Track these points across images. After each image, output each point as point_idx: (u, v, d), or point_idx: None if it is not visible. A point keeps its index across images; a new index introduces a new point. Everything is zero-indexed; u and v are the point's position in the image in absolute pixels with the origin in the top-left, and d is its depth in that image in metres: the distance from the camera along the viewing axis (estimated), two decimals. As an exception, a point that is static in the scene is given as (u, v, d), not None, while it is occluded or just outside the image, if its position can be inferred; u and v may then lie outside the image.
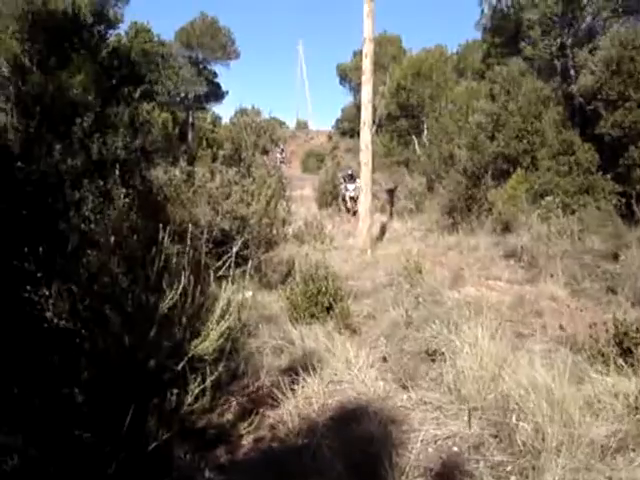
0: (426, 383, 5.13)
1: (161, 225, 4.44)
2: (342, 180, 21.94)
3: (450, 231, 16.27)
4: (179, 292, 4.28)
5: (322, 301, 7.18)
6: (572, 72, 19.68)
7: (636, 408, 4.21)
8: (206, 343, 4.43)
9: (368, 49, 13.71)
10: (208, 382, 4.15)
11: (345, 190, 21.50)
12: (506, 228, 14.69)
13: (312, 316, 7.08)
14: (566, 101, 18.63)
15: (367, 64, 13.75)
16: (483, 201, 16.38)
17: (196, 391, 4.12)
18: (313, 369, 5.20)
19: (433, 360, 5.54)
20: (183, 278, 4.24)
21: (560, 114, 17.63)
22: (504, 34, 25.21)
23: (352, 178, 20.85)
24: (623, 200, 14.46)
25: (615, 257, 10.09)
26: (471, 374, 4.82)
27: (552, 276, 9.36)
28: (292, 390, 4.95)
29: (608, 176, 15.02)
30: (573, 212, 12.99)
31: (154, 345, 4.13)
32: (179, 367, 4.17)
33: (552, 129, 16.99)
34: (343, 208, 21.55)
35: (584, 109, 17.76)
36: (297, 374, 5.14)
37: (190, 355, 4.29)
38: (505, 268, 11.10)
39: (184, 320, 4.43)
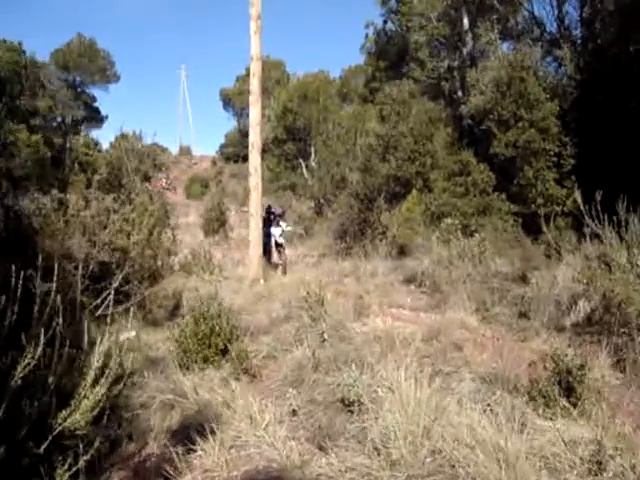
0: (347, 442, 4.33)
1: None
2: (263, 222, 14.60)
3: (344, 256, 15.80)
4: (44, 345, 3.37)
5: (216, 342, 6.29)
6: (460, 93, 19.87)
7: (598, 463, 3.65)
8: (77, 415, 3.50)
9: (256, 68, 12.97)
10: (81, 463, 3.25)
11: (267, 236, 14.81)
12: (402, 252, 14.38)
13: (205, 360, 6.17)
14: (455, 122, 18.72)
15: (255, 84, 13.00)
16: (377, 224, 16.04)
17: (65, 477, 3.21)
18: (211, 431, 4.33)
19: (351, 412, 4.77)
20: (54, 324, 3.35)
21: (450, 135, 17.68)
22: (389, 57, 25.41)
23: (275, 218, 15.32)
24: (519, 220, 14.49)
25: (523, 280, 9.82)
26: (399, 429, 4.11)
27: (459, 302, 8.94)
28: (187, 462, 4.07)
29: (503, 196, 15.01)
30: (472, 233, 12.78)
31: (6, 423, 3.17)
32: (41, 449, 3.25)
33: (444, 150, 16.98)
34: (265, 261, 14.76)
35: (473, 130, 17.88)
36: (192, 439, 4.26)
37: (57, 431, 3.37)
38: (407, 294, 10.62)
39: (50, 383, 3.50)
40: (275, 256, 15.13)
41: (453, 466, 3.69)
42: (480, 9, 20.03)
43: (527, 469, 3.54)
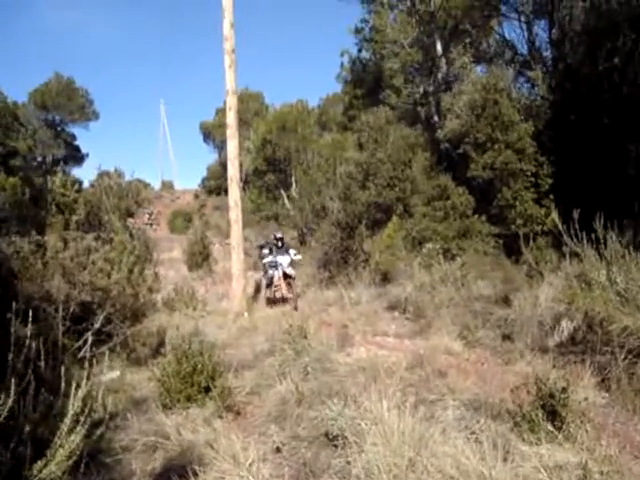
0: (331, 478, 4.26)
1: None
2: (265, 251, 14.33)
3: (328, 285, 15.76)
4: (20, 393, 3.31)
5: (199, 381, 6.22)
6: (436, 118, 20.03)
7: (586, 487, 3.61)
8: (53, 466, 3.43)
9: (232, 102, 13.02)
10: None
11: (273, 266, 13.75)
12: (385, 278, 14.34)
13: (188, 399, 6.09)
14: (432, 147, 18.85)
15: (231, 117, 13.03)
16: (359, 252, 16.02)
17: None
18: (194, 473, 4.26)
19: (335, 446, 4.71)
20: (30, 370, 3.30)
21: (428, 160, 17.78)
22: (365, 85, 25.62)
23: (282, 246, 14.06)
24: (501, 241, 14.54)
25: (506, 302, 9.82)
26: (383, 462, 4.06)
27: (443, 327, 8.92)
28: (170, 507, 3.99)
29: (483, 218, 15.07)
30: (453, 257, 12.80)
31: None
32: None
33: (422, 175, 17.07)
34: (270, 295, 13.97)
35: (451, 154, 18.00)
36: (175, 483, 4.19)
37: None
38: (391, 321, 10.60)
39: (26, 431, 3.44)
40: (284, 289, 13.36)
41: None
42: (453, 34, 20.29)
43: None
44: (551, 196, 14.13)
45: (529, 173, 14.48)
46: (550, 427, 4.49)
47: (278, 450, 4.83)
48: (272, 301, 13.74)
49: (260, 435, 5.20)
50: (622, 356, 5.94)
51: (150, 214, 36.86)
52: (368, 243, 15.90)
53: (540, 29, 18.79)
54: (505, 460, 3.94)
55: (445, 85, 20.34)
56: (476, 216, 15.18)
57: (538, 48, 18.75)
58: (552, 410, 4.59)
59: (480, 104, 15.26)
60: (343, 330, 9.45)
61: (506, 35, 20.19)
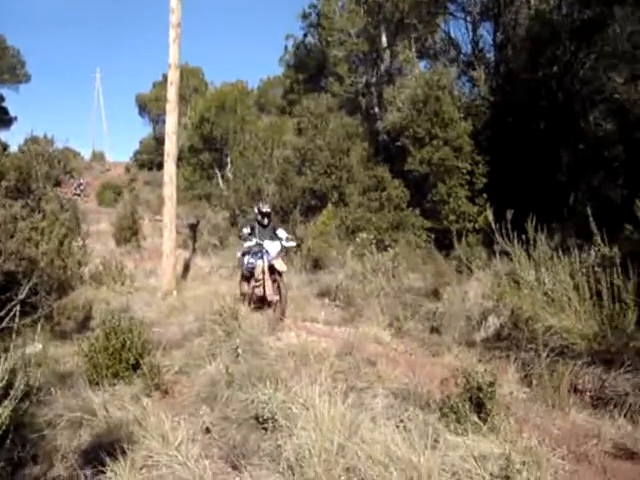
0: (261, 460, 4.26)
1: None
2: (246, 230, 10.37)
3: (258, 269, 15.71)
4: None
5: (127, 357, 6.11)
6: (377, 109, 20.15)
7: (507, 477, 3.72)
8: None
9: (174, 76, 12.76)
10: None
11: (256, 253, 10.16)
12: (317, 265, 14.40)
13: (116, 375, 5.99)
14: (371, 137, 18.96)
15: (172, 92, 12.77)
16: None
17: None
18: (122, 451, 4.19)
19: (265, 429, 4.71)
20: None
21: (366, 150, 17.88)
22: (307, 70, 25.57)
23: (268, 225, 10.38)
24: (433, 236, 14.78)
25: (435, 295, 10.02)
26: (314, 446, 4.08)
27: (373, 316, 9.05)
28: (96, 484, 3.91)
29: (417, 211, 15.29)
30: (386, 248, 12.94)
31: None
32: None
33: (360, 165, 17.16)
34: (247, 291, 10.39)
35: (389, 146, 18.15)
36: (101, 460, 4.10)
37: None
38: (321, 308, 10.66)
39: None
40: (268, 289, 9.88)
41: (367, 484, 3.70)
42: (399, 27, 20.39)
43: (440, 485, 3.59)
44: (484, 195, 14.46)
45: (465, 171, 14.77)
46: (476, 419, 4.61)
47: (207, 431, 4.80)
48: (250, 300, 10.09)
49: (189, 415, 5.15)
50: (545, 354, 6.13)
51: (79, 184, 35.85)
52: (301, 229, 15.91)
53: (485, 31, 19.19)
54: (433, 448, 4.02)
55: (388, 77, 20.47)
56: (410, 209, 15.39)
57: (482, 49, 19.11)
58: (478, 402, 4.71)
59: (421, 99, 15.44)
60: (273, 314, 9.44)
61: (452, 33, 20.55)
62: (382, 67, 20.91)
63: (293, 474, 3.97)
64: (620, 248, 7.09)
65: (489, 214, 8.46)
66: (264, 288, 9.97)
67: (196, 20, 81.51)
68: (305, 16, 24.19)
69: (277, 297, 9.81)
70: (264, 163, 21.51)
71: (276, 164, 19.69)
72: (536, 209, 8.49)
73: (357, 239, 13.60)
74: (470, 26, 19.18)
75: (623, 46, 14.02)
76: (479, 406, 4.70)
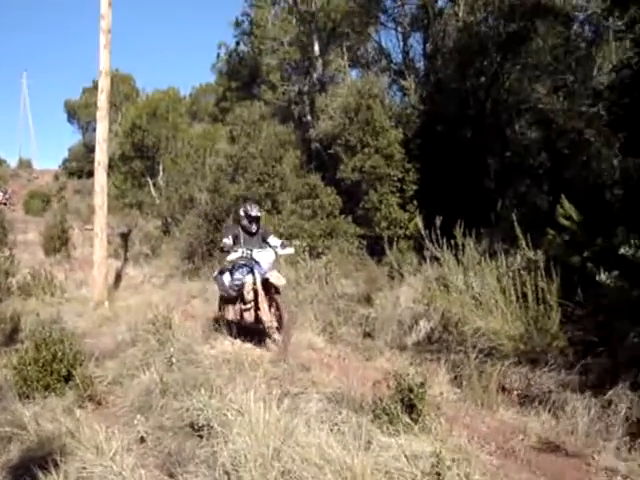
0: (197, 467, 4.26)
1: None
2: (227, 240, 8.31)
3: (192, 277, 15.64)
4: None
5: (58, 369, 6.02)
6: (309, 118, 20.29)
7: (437, 474, 3.84)
8: None
9: (104, 83, 12.60)
10: None
11: (242, 267, 8.20)
12: (251, 273, 14.39)
13: (47, 388, 5.89)
14: (304, 145, 19.07)
15: (103, 99, 12.61)
16: (225, 245, 16.01)
17: None
18: (54, 464, 4.13)
19: (201, 436, 4.71)
20: None
21: (299, 158, 17.98)
22: (240, 78, 25.58)
23: (257, 232, 8.55)
24: (365, 242, 14.96)
25: (368, 300, 10.16)
26: (249, 451, 4.11)
27: (307, 323, 9.13)
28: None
29: (350, 218, 15.45)
30: (319, 255, 13.03)
31: None
32: None
33: (292, 173, 17.25)
34: (234, 316, 8.49)
35: (321, 154, 18.29)
36: (33, 474, 4.03)
37: None
38: (255, 315, 10.67)
39: None
40: (264, 312, 7.90)
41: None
42: (331, 36, 20.58)
43: (372, 485, 3.67)
44: (415, 202, 14.70)
45: (395, 178, 14.96)
46: (408, 419, 4.73)
47: (142, 440, 4.77)
48: (237, 326, 8.32)
49: (124, 425, 5.11)
50: (474, 355, 6.34)
51: (5, 193, 34.86)
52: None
53: (415, 41, 19.43)
54: (366, 449, 4.10)
55: (320, 86, 20.63)
56: (343, 216, 15.50)
57: (412, 59, 19.39)
58: (410, 404, 4.83)
59: (353, 108, 15.58)
60: (207, 322, 9.41)
61: (383, 43, 20.72)
62: (315, 75, 21.06)
63: (229, 479, 3.99)
64: (544, 252, 7.39)
65: (419, 221, 8.70)
66: (257, 311, 8.04)
67: (127, 26, 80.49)
68: (238, 24, 24.23)
69: (274, 321, 7.88)
70: (196, 171, 21.41)
71: (209, 172, 19.60)
72: (465, 215, 8.76)
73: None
74: (401, 36, 19.47)
75: (546, 59, 14.55)
76: (410, 407, 4.82)
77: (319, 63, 20.94)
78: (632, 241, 6.06)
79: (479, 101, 15.59)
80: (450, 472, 3.87)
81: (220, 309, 9.11)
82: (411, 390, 4.81)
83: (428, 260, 9.04)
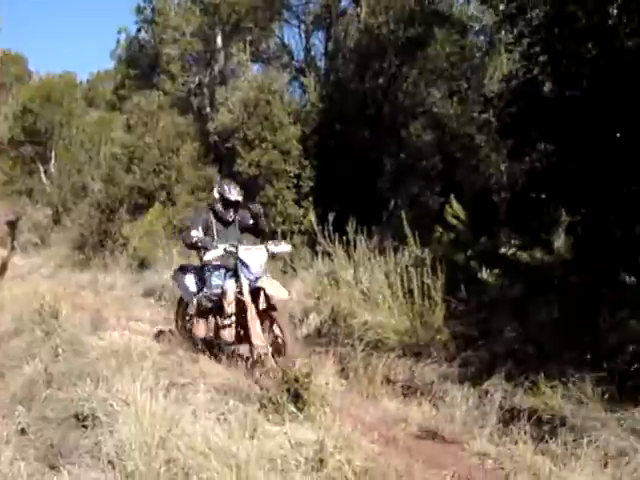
0: (80, 458, 4.19)
1: None
2: (196, 232, 6.57)
3: (82, 267, 15.28)
4: None
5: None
6: (209, 110, 20.15)
7: (320, 460, 3.98)
8: None
9: (-6, 62, 12.11)
10: None
11: (221, 271, 6.52)
12: (143, 264, 14.22)
13: None
14: (202, 138, 18.92)
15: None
16: (118, 236, 15.77)
17: None
18: None
19: (85, 427, 4.64)
20: None
21: (197, 150, 17.86)
22: (140, 66, 25.06)
23: (232, 221, 6.90)
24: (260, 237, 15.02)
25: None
26: (134, 441, 4.10)
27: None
28: None
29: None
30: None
31: None
32: None
33: (189, 165, 17.13)
34: (205, 334, 6.84)
35: (220, 147, 18.20)
36: None
37: None
38: (146, 308, 10.60)
39: None
40: (255, 333, 6.14)
41: (187, 474, 3.77)
42: (234, 29, 20.45)
43: (257, 472, 3.72)
44: (310, 198, 14.90)
45: (292, 174, 15.07)
46: (293, 408, 4.82)
47: (23, 432, 4.65)
48: (208, 346, 6.78)
49: (3, 417, 4.95)
50: (360, 348, 6.54)
51: None
52: (128, 228, 15.64)
53: (317, 40, 19.69)
54: (252, 438, 4.17)
55: (221, 78, 20.50)
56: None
57: (313, 57, 19.62)
58: (296, 394, 4.94)
59: (253, 102, 15.59)
60: (96, 314, 9.23)
61: (285, 40, 20.86)
62: (216, 68, 20.91)
63: (113, 469, 3.94)
64: (432, 250, 7.70)
65: (312, 216, 8.86)
66: (244, 329, 6.32)
67: (23, 7, 76.86)
68: (140, 10, 23.64)
69: (266, 345, 6.13)
70: (91, 159, 20.94)
71: (103, 161, 19.18)
72: (358, 212, 8.98)
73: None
74: (303, 34, 19.67)
75: (442, 65, 15.08)
76: (297, 397, 4.93)
77: (221, 56, 20.80)
78: (512, 241, 6.41)
79: (377, 102, 15.93)
80: (332, 459, 3.99)
81: (180, 319, 7.29)
82: (297, 380, 4.92)
83: (320, 255, 9.22)
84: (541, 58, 8.61)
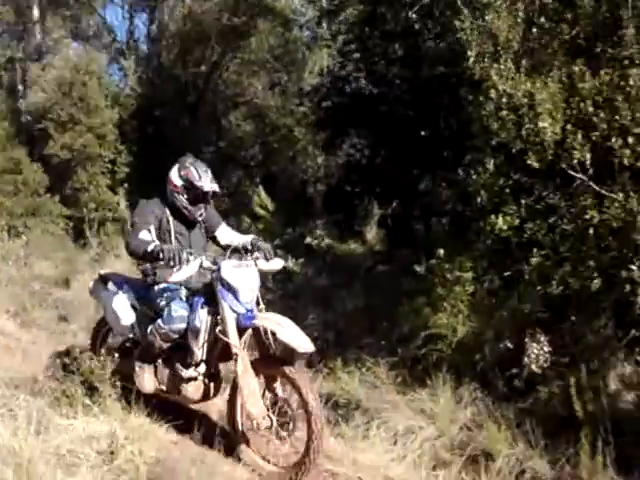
0: None
1: None
2: (145, 234, 4.25)
3: None
4: None
5: None
6: (21, 87, 18.98)
7: (112, 452, 3.89)
8: None
9: None
10: None
11: (184, 300, 4.34)
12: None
13: None
14: (13, 117, 17.77)
15: None
16: None
17: None
18: None
19: None
20: None
21: (6, 130, 16.74)
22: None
23: (195, 223, 4.63)
24: (71, 224, 14.42)
25: (67, 283, 9.87)
26: None
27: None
28: None
29: (56, 198, 14.75)
30: (19, 235, 12.29)
31: None
32: None
33: (-2, 145, 16.07)
34: (153, 388, 4.62)
35: (31, 127, 17.23)
36: None
37: None
38: None
39: None
40: (254, 399, 4.00)
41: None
42: (53, 3, 19.40)
43: (42, 469, 3.57)
44: (125, 185, 14.57)
45: (107, 159, 14.67)
46: (88, 401, 4.67)
47: None
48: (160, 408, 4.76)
49: None
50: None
51: None
52: None
53: (141, 22, 19.22)
54: (39, 433, 3.98)
55: (38, 55, 19.30)
56: (49, 195, 14.78)
57: (137, 40, 19.15)
58: (90, 386, 4.78)
59: (68, 82, 14.95)
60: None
61: (108, 19, 20.17)
62: (32, 43, 19.62)
63: None
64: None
65: (122, 203, 8.66)
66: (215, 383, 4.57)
67: None
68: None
69: (279, 427, 4.07)
70: None
71: None
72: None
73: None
74: (127, 15, 19.10)
75: (264, 56, 15.28)
76: (91, 389, 4.78)
77: (37, 30, 19.53)
78: (317, 232, 6.60)
79: (198, 90, 15.93)
80: (124, 450, 3.95)
81: (96, 352, 5.13)
82: (92, 372, 4.78)
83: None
84: (355, 55, 8.97)
